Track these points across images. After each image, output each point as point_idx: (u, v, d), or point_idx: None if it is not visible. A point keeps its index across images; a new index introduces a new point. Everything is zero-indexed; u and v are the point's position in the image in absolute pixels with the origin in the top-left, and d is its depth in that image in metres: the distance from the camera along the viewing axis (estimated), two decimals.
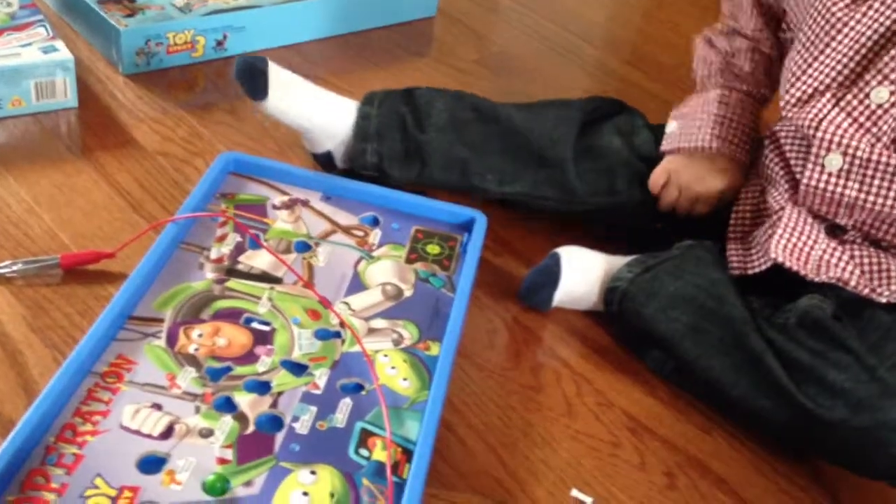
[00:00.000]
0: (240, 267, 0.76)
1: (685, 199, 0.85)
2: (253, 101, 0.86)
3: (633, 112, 0.94)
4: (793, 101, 0.74)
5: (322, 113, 0.89)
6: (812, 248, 0.74)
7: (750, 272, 0.77)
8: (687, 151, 0.84)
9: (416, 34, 1.27)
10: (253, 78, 0.84)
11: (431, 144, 0.88)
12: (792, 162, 0.76)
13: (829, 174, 0.72)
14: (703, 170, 0.83)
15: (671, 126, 0.86)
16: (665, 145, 0.85)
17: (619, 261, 0.82)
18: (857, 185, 0.71)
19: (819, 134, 0.72)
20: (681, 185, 0.84)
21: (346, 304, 0.75)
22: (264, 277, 0.76)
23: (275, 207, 0.84)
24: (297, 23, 1.16)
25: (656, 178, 0.85)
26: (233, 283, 0.75)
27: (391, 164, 0.89)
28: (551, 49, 1.30)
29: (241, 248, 0.78)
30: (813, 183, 0.73)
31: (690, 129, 0.83)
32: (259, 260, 0.78)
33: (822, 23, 0.72)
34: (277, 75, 0.86)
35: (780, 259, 0.74)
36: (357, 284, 0.78)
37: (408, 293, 0.78)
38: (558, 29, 1.35)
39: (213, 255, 0.77)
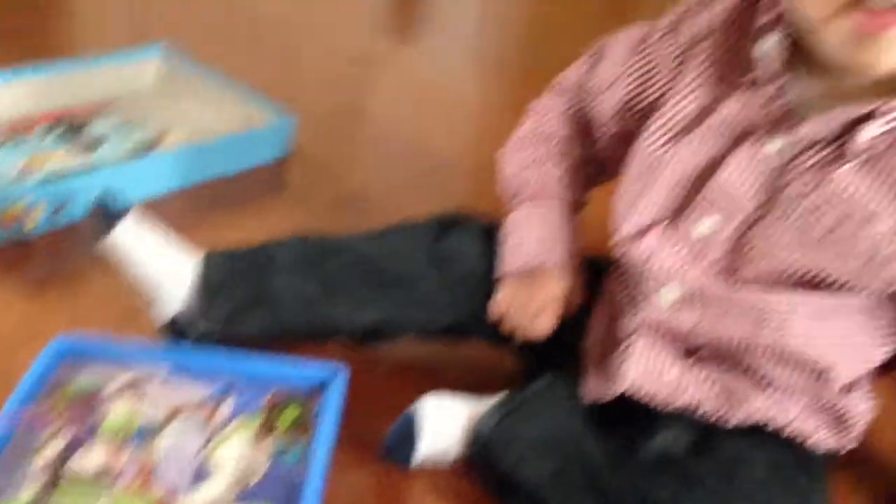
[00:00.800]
0: (71, 469, 0.71)
1: (528, 319, 0.83)
2: (99, 245, 0.83)
3: (489, 221, 0.92)
4: (625, 236, 0.75)
5: (166, 271, 0.85)
6: (664, 372, 0.74)
7: (606, 399, 0.76)
8: (516, 273, 0.83)
9: (270, 177, 1.26)
10: (103, 220, 0.83)
11: (280, 289, 0.86)
12: (633, 293, 0.76)
13: (666, 307, 0.73)
14: (535, 287, 0.82)
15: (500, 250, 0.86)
16: (497, 271, 0.85)
17: (482, 406, 0.80)
18: (694, 316, 0.72)
19: (652, 269, 0.72)
20: (519, 305, 0.83)
21: (192, 497, 0.70)
22: (100, 478, 0.71)
23: (112, 394, 0.79)
24: (142, 179, 1.13)
25: (494, 306, 0.84)
26: (64, 489, 0.69)
27: (241, 318, 0.86)
28: (413, 181, 1.30)
29: (74, 447, 0.73)
30: (653, 316, 0.73)
31: (515, 250, 0.83)
32: (93, 458, 0.72)
33: (645, 162, 0.73)
34: (126, 228, 0.84)
35: (632, 387, 0.74)
36: (204, 472, 0.73)
37: (259, 474, 0.73)
38: (419, 159, 1.36)
39: (40, 460, 0.71)
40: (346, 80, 1.60)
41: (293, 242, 0.89)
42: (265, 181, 1.24)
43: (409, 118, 1.49)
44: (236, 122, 1.29)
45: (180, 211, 1.13)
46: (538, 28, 2.05)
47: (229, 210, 1.16)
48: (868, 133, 0.64)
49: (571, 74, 0.87)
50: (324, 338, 0.89)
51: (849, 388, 0.74)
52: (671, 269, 0.72)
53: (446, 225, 0.89)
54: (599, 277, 0.84)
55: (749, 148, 0.69)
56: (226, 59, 1.50)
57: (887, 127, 0.64)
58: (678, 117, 0.72)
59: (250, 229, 1.10)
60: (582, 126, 0.85)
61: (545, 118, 0.87)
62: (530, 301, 0.82)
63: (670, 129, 0.72)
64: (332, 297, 0.86)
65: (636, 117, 0.77)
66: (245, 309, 0.85)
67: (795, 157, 0.67)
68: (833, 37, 0.61)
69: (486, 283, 0.84)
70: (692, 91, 0.72)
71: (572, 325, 0.83)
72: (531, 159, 0.85)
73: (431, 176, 1.31)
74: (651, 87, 0.76)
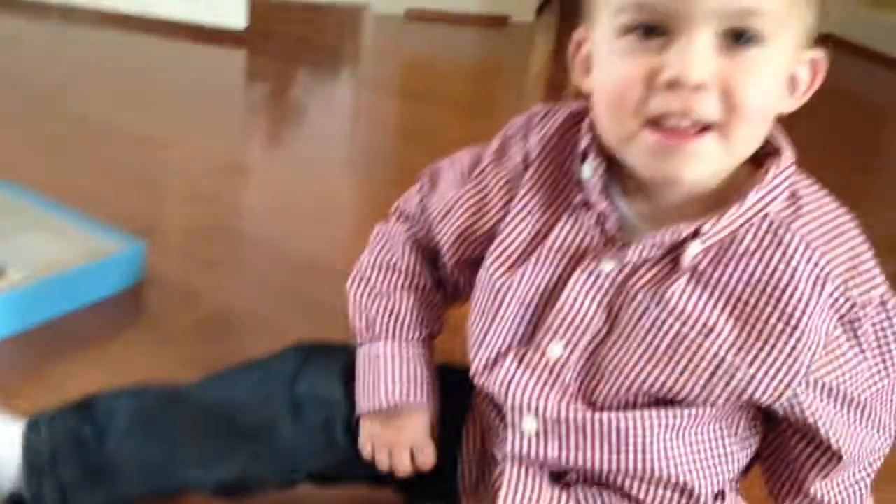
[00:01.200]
0: None
1: (397, 456, 0.78)
2: None
3: (352, 351, 0.86)
4: (480, 368, 0.72)
5: None
6: (539, 498, 0.71)
7: None
8: (375, 412, 0.78)
9: (122, 307, 1.18)
10: None
11: (118, 455, 0.78)
12: (497, 422, 0.72)
13: (528, 438, 0.70)
14: (400, 423, 0.78)
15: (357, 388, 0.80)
16: (357, 410, 0.79)
17: None
18: (555, 446, 0.69)
19: (510, 401, 0.70)
20: (385, 444, 0.78)
21: None
22: None
23: None
24: None
25: (362, 444, 0.79)
26: None
27: (76, 495, 0.77)
28: (275, 296, 1.24)
29: None
30: (515, 449, 0.70)
31: (371, 389, 0.78)
32: None
33: (489, 292, 0.71)
34: None
35: None
36: None
37: None
38: (287, 271, 1.30)
39: None
40: (207, 192, 1.54)
41: (130, 396, 0.81)
42: (116, 314, 1.16)
43: (277, 228, 1.44)
44: (81, 253, 1.21)
45: (19, 359, 1.04)
46: (409, 127, 2.05)
47: (75, 352, 1.07)
48: (692, 251, 0.64)
49: (410, 200, 0.84)
50: (177, 498, 0.81)
51: (721, 496, 0.71)
52: (529, 398, 0.69)
53: (305, 359, 0.83)
54: (470, 391, 0.80)
55: (584, 271, 0.68)
56: (72, 181, 1.42)
57: (709, 243, 0.64)
58: (514, 244, 0.71)
59: (101, 372, 1.03)
60: (427, 252, 0.82)
61: (389, 247, 0.83)
62: (398, 438, 0.78)
63: (508, 257, 0.71)
64: (178, 457, 0.78)
65: (476, 245, 0.75)
66: (78, 487, 0.77)
67: (629, 276, 0.66)
68: (636, 152, 0.62)
69: (350, 424, 0.79)
70: (525, 216, 0.71)
71: (444, 450, 0.78)
72: (379, 292, 0.81)
73: (301, 288, 1.26)
74: (485, 214, 0.74)
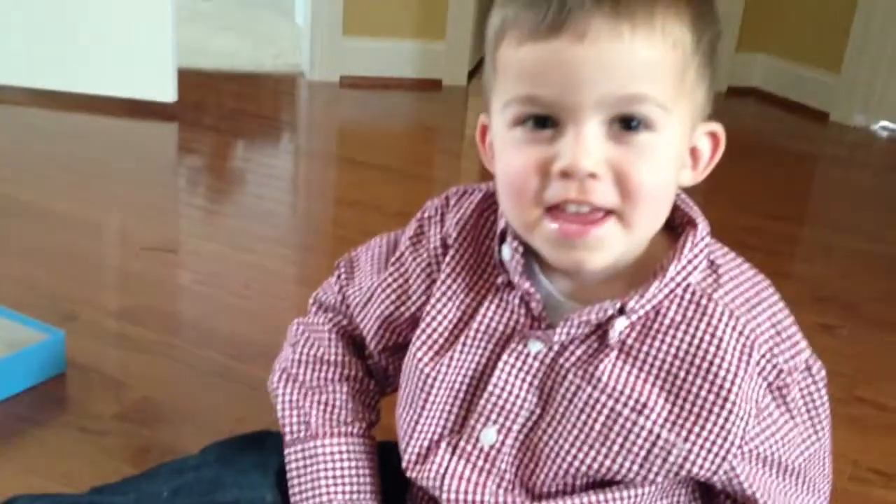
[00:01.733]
0: None
1: None
2: None
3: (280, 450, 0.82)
4: (412, 460, 0.70)
5: None
6: None
7: None
8: None
9: (43, 399, 1.13)
10: None
11: None
12: None
13: None
14: None
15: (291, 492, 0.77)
16: None
17: None
18: None
19: (445, 494, 0.68)
20: None
21: None
22: None
23: None
24: None
25: None
26: None
27: None
28: (205, 380, 1.20)
29: None
30: None
31: (308, 491, 0.75)
32: None
33: (416, 379, 0.70)
34: None
35: None
36: None
37: None
38: (212, 354, 1.26)
39: None
40: (135, 273, 1.51)
41: (49, 501, 0.77)
42: (37, 405, 1.12)
43: (209, 308, 1.41)
44: None
45: None
46: (347, 195, 2.04)
47: None
48: (618, 327, 0.63)
49: (328, 291, 0.83)
50: None
51: None
52: (465, 490, 0.67)
53: (227, 460, 0.80)
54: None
55: (512, 353, 0.67)
56: None
57: (634, 318, 0.64)
58: (439, 329, 0.70)
59: (21, 467, 0.99)
60: (353, 341, 0.80)
61: (313, 340, 0.81)
62: None
63: (434, 343, 0.70)
64: None
65: (400, 331, 0.74)
66: None
67: (558, 355, 0.66)
68: (540, 241, 0.62)
69: None
70: (448, 300, 0.70)
71: None
72: (311, 386, 0.79)
73: (233, 370, 1.22)
74: (407, 300, 0.73)
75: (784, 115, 2.95)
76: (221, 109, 2.52)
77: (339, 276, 0.82)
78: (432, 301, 0.71)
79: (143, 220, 1.72)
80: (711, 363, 0.63)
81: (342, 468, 0.75)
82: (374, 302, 0.75)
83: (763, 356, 0.64)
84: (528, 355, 0.67)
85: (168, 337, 1.30)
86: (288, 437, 0.77)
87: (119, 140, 2.18)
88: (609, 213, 0.60)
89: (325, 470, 0.75)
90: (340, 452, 0.75)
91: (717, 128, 0.65)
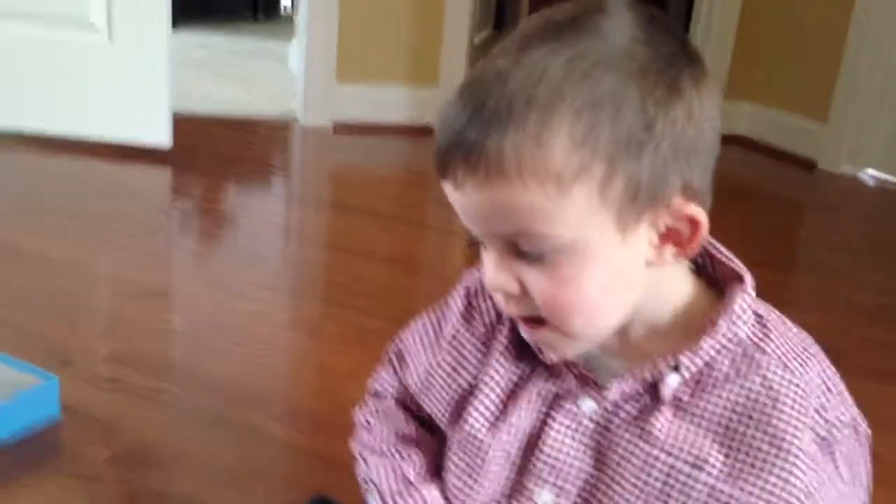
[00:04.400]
0: None
1: None
2: None
3: None
4: None
5: None
6: None
7: None
8: None
9: (36, 443, 1.13)
10: None
11: None
12: None
13: None
14: None
15: None
16: None
17: None
18: None
19: None
20: None
21: None
22: None
23: None
24: None
25: None
26: None
27: None
28: (199, 425, 1.20)
29: None
30: None
31: None
32: None
33: (472, 447, 0.70)
34: None
35: None
36: None
37: None
38: (206, 398, 1.26)
39: None
40: (128, 317, 1.51)
41: None
42: (30, 451, 1.11)
43: (201, 352, 1.41)
44: None
45: None
46: (339, 241, 2.05)
47: None
48: (672, 383, 0.63)
49: (384, 381, 0.83)
50: None
51: None
52: None
53: None
54: None
55: (564, 416, 0.67)
56: None
57: (687, 375, 0.64)
58: (492, 400, 0.70)
59: None
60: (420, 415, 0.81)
61: (384, 417, 0.81)
62: None
63: (489, 413, 0.70)
64: None
65: (455, 406, 0.74)
66: None
67: (612, 414, 0.66)
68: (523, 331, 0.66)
69: None
70: (500, 372, 0.71)
71: None
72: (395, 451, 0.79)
73: (227, 415, 1.22)
74: (461, 377, 0.74)
75: (771, 162, 2.99)
76: (215, 154, 2.54)
77: (391, 364, 0.82)
78: (485, 373, 0.71)
79: (135, 265, 1.72)
80: (768, 414, 0.62)
81: None
82: (435, 385, 0.76)
83: (816, 410, 0.63)
84: (580, 415, 0.67)
85: (161, 382, 1.30)
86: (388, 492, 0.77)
87: (112, 184, 2.19)
88: (543, 321, 0.62)
89: None
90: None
91: (696, 212, 0.60)
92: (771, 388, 0.62)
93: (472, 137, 0.56)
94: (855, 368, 1.49)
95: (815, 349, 0.67)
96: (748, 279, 0.66)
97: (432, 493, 0.75)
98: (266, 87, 3.50)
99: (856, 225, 2.52)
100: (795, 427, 0.62)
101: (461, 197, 0.59)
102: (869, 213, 2.65)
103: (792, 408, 0.62)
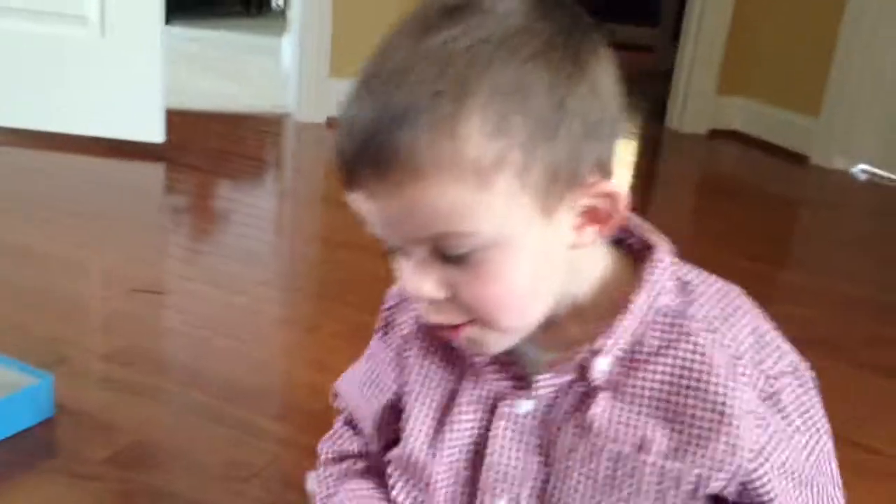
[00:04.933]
0: None
1: None
2: None
3: None
4: None
5: None
6: None
7: None
8: None
9: (32, 442, 1.12)
10: None
11: None
12: None
13: None
14: None
15: None
16: None
17: None
18: None
19: None
20: None
21: None
22: None
23: None
24: None
25: None
26: None
27: None
28: (195, 423, 1.19)
29: None
30: None
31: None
32: None
33: (415, 470, 0.69)
34: None
35: None
36: None
37: None
38: (202, 396, 1.26)
39: None
40: (123, 315, 1.50)
41: None
42: (25, 450, 1.11)
43: (197, 350, 1.40)
44: None
45: None
46: (333, 237, 2.04)
47: None
48: (600, 367, 0.62)
49: (340, 441, 0.82)
50: None
51: None
52: None
53: None
54: None
55: (503, 420, 0.66)
56: None
57: (614, 357, 0.62)
58: (425, 419, 0.69)
59: None
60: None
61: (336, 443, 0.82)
62: None
63: (425, 436, 0.69)
64: None
65: (392, 426, 0.74)
66: None
67: (549, 409, 0.65)
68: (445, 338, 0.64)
69: None
70: (430, 382, 0.69)
71: None
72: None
73: (222, 413, 1.22)
74: (388, 392, 0.73)
75: (764, 157, 3.00)
76: (208, 150, 2.53)
77: (336, 409, 0.83)
78: (415, 388, 0.69)
79: (130, 261, 1.72)
80: (705, 381, 0.60)
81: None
82: (362, 403, 0.75)
83: (748, 365, 0.62)
84: (518, 416, 0.65)
85: (157, 379, 1.29)
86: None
87: (106, 180, 2.18)
88: (469, 321, 0.60)
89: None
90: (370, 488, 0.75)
91: (614, 187, 0.59)
92: (703, 353, 0.61)
93: (380, 140, 0.54)
94: (855, 363, 1.51)
95: (742, 302, 0.65)
96: (663, 247, 0.64)
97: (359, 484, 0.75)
98: (259, 82, 3.49)
99: (849, 219, 2.53)
100: (733, 388, 0.61)
101: (374, 205, 0.56)
102: (861, 207, 2.66)
103: (723, 369, 0.61)
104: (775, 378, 0.63)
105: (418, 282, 0.59)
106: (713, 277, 0.66)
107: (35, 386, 1.15)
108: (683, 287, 0.64)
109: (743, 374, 0.61)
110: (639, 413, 0.62)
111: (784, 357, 0.64)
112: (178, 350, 1.43)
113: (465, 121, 0.53)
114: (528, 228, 0.57)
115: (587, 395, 0.63)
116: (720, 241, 2.08)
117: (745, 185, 2.73)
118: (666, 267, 0.64)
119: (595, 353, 0.62)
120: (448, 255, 0.57)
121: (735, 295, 0.65)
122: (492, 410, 0.66)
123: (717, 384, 0.61)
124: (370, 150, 0.54)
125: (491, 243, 0.56)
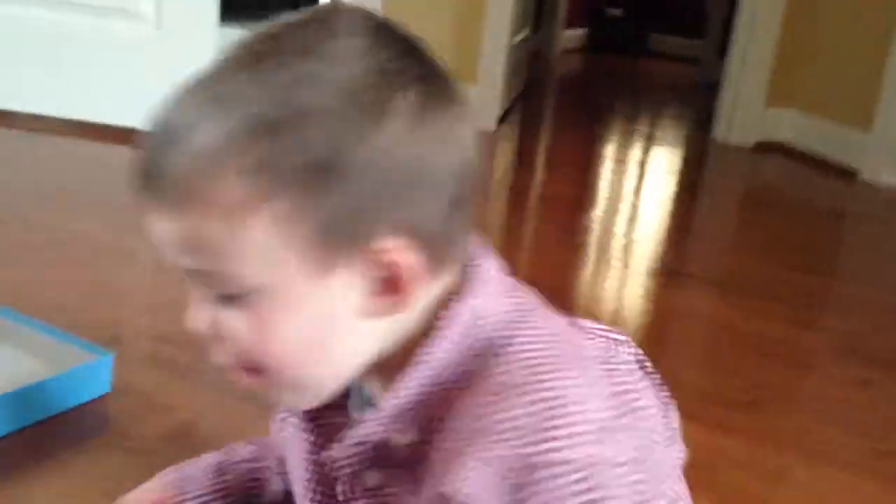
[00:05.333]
0: None
1: None
2: None
3: None
4: None
5: None
6: None
7: None
8: None
9: (88, 418, 1.14)
10: None
11: None
12: None
13: None
14: None
15: None
16: None
17: None
18: None
19: None
20: None
21: None
22: None
23: None
24: None
25: None
26: None
27: None
28: (247, 403, 1.20)
29: None
30: None
31: None
32: None
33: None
34: None
35: None
36: None
37: None
38: None
39: None
40: (174, 297, 1.51)
41: None
42: (82, 425, 1.13)
43: None
44: (47, 364, 1.17)
45: None
46: None
47: (39, 465, 1.03)
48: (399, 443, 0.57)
49: None
50: None
51: None
52: None
53: None
54: None
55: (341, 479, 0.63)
56: (36, 293, 1.40)
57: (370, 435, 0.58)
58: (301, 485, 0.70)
59: (67, 485, 1.00)
60: None
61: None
62: None
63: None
64: None
65: None
66: None
67: (338, 465, 0.61)
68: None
69: None
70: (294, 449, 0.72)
71: None
72: None
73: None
74: None
75: (812, 170, 2.96)
76: None
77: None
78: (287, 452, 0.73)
79: None
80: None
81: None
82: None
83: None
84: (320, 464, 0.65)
85: (208, 362, 1.30)
86: None
87: None
88: (251, 370, 0.57)
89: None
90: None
91: (401, 258, 0.52)
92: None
93: (154, 157, 0.53)
94: None
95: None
96: (466, 303, 0.55)
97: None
98: None
99: None
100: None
101: (154, 224, 0.56)
102: None
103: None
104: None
105: (193, 313, 0.57)
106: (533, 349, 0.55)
107: (96, 362, 1.17)
108: (487, 359, 0.54)
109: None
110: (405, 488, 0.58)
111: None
112: None
113: (224, 154, 0.50)
114: (297, 285, 0.52)
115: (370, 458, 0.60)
116: (765, 252, 2.06)
117: (792, 198, 2.70)
118: (461, 326, 0.55)
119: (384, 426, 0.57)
120: (219, 293, 0.55)
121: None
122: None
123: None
124: (147, 164, 0.54)
125: (257, 291, 0.53)
